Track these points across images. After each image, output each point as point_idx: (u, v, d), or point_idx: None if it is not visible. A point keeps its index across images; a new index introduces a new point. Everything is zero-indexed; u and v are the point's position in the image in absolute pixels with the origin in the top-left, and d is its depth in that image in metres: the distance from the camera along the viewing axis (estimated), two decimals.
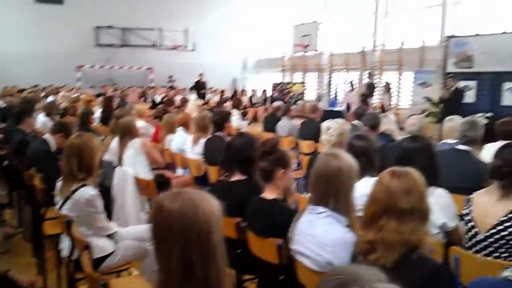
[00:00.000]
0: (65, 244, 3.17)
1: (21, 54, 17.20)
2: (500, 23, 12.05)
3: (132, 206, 3.98)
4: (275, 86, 18.27)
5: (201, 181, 4.82)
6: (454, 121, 4.38)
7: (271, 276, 2.60)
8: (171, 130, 5.79)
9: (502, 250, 2.42)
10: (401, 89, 14.61)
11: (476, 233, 2.53)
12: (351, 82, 14.59)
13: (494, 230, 2.44)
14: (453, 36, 12.60)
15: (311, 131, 6.58)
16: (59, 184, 3.13)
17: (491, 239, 2.46)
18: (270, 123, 7.97)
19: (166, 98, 11.18)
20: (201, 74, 17.41)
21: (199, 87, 17.17)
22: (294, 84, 18.37)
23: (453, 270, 2.52)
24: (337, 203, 2.18)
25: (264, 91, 18.40)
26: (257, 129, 8.99)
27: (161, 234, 1.34)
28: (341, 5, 17.43)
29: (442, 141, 4.66)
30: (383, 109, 12.86)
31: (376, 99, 14.09)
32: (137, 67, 19.92)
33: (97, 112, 7.96)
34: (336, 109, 14.98)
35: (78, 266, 2.99)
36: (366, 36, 15.99)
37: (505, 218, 2.41)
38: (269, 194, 2.70)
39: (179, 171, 5.34)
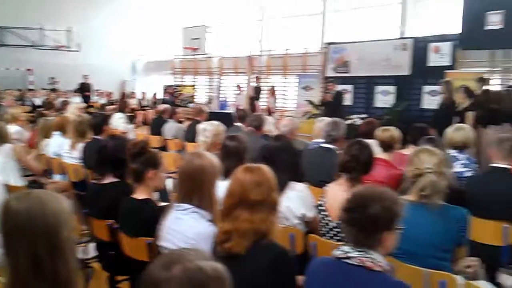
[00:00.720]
0: None
1: None
2: (372, 31, 13.21)
3: None
4: (165, 89, 18.13)
5: (80, 186, 4.70)
6: (322, 122, 4.77)
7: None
8: (47, 134, 5.55)
9: None
10: (286, 93, 15.32)
11: (329, 221, 2.83)
12: (238, 86, 14.99)
13: None
14: (332, 43, 13.50)
15: (196, 133, 6.70)
16: None
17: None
18: (157, 126, 7.95)
19: (46, 101, 10.60)
20: (86, 76, 16.72)
21: (84, 89, 16.50)
22: (185, 87, 18.39)
23: (312, 255, 2.79)
24: (201, 199, 2.32)
25: (154, 93, 18.19)
26: (144, 132, 8.91)
27: (9, 232, 1.37)
28: (230, 9, 17.82)
29: (313, 140, 5.06)
30: (270, 112, 13.41)
31: (263, 102, 14.61)
32: (15, 68, 18.56)
33: None
34: (226, 111, 15.29)
35: None
36: (253, 41, 16.52)
37: None
38: (140, 194, 2.77)
39: (56, 177, 5.14)
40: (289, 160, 2.97)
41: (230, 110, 14.80)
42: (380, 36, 12.78)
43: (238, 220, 1.95)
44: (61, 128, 5.35)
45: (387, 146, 3.92)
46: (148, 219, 2.64)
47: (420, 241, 2.39)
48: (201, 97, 18.20)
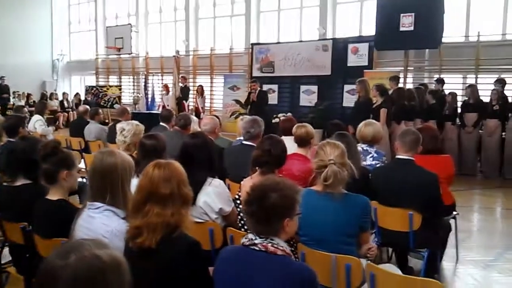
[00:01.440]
0: None
1: None
2: (296, 33, 13.61)
3: None
4: (88, 89, 17.55)
5: None
6: (243, 121, 4.89)
7: None
8: None
9: None
10: (214, 92, 15.38)
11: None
12: (166, 85, 14.84)
13: None
14: (256, 44, 13.75)
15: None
16: None
17: None
18: (77, 128, 7.71)
19: None
20: (2, 77, 15.83)
21: (1, 91, 15.62)
22: (110, 87, 17.89)
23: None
24: (113, 197, 2.33)
25: (77, 94, 17.56)
26: (64, 135, 8.62)
27: None
28: (156, 9, 17.60)
29: (237, 139, 5.18)
30: (198, 111, 13.42)
31: (191, 102, 14.57)
32: None
33: None
34: (153, 111, 15.09)
35: None
36: (180, 41, 16.43)
37: None
38: (54, 195, 2.72)
39: None
40: (206, 157, 3.04)
41: (158, 110, 14.63)
42: (303, 37, 13.22)
43: (148, 215, 1.99)
44: None
45: (302, 141, 4.10)
46: (62, 220, 2.61)
47: (327, 228, 2.56)
48: (127, 98, 17.82)
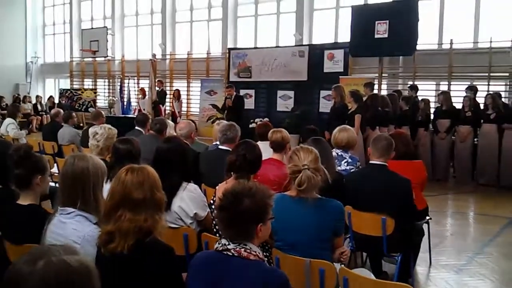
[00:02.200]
0: None
1: None
2: (272, 38, 13.68)
3: None
4: (62, 93, 17.26)
5: None
6: (219, 125, 4.88)
7: None
8: None
9: None
10: (191, 97, 15.32)
11: None
12: (142, 89, 14.70)
13: None
14: (234, 48, 13.77)
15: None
16: None
17: None
18: (50, 131, 7.57)
19: None
20: None
21: None
22: (85, 90, 17.63)
23: None
24: (85, 202, 2.29)
25: (50, 97, 17.26)
26: (38, 138, 8.46)
27: None
28: (132, 12, 17.46)
29: (213, 143, 5.16)
30: (174, 116, 13.34)
31: (167, 106, 14.47)
32: None
33: None
34: (129, 115, 14.93)
35: None
36: (157, 44, 16.33)
37: None
38: (25, 200, 2.67)
39: None
40: (180, 162, 3.03)
41: (133, 114, 14.48)
42: (280, 43, 13.31)
43: (121, 220, 1.97)
44: None
45: (278, 146, 4.12)
46: (34, 225, 2.55)
47: (301, 232, 2.58)
48: (102, 101, 17.59)
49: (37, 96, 17.69)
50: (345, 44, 10.93)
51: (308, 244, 2.57)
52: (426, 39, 10.35)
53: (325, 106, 11.19)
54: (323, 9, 12.79)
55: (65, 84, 18.99)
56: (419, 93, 9.65)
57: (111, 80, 17.83)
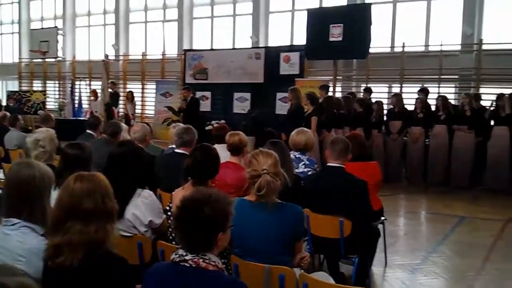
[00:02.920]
0: None
1: None
2: (229, 40, 13.63)
3: None
4: (10, 95, 16.52)
5: None
6: (175, 128, 4.77)
7: None
8: None
9: None
10: (146, 99, 15.03)
11: None
12: (94, 91, 14.29)
13: None
14: (190, 50, 13.61)
15: None
16: None
17: None
18: None
19: None
20: None
21: None
22: (34, 92, 16.93)
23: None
24: (31, 212, 2.14)
25: None
26: None
27: None
28: (84, 12, 16.96)
29: (169, 146, 5.04)
30: (128, 118, 13.02)
31: (121, 108, 14.13)
32: None
33: None
34: (81, 118, 14.49)
35: None
36: (110, 45, 15.94)
37: None
38: None
39: None
40: (134, 167, 2.91)
41: (85, 117, 14.06)
42: (236, 45, 13.27)
43: (70, 232, 1.84)
44: None
45: (236, 149, 4.06)
46: None
47: (260, 238, 2.52)
48: (52, 104, 16.98)
49: None
50: (300, 47, 10.99)
51: (268, 250, 2.52)
52: (379, 43, 10.58)
53: (281, 108, 11.23)
54: (279, 12, 12.84)
55: (13, 86, 18.19)
56: (372, 95, 9.84)
57: (61, 82, 17.21)
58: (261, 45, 12.53)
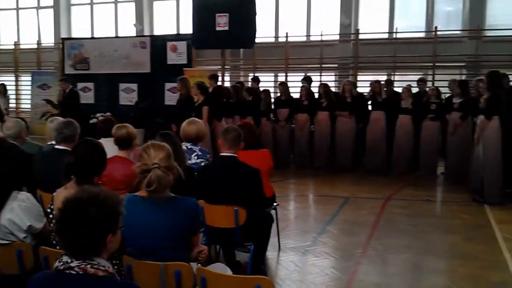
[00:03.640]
0: None
1: None
2: (111, 28, 13.00)
3: None
4: None
5: None
6: (53, 123, 4.42)
7: None
8: None
9: None
10: (20, 92, 13.84)
11: None
12: None
13: None
14: (68, 38, 12.73)
15: None
16: None
17: None
18: None
19: None
20: None
21: None
22: None
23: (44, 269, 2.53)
24: None
25: None
26: None
27: None
28: None
29: (48, 143, 4.65)
30: (1, 113, 11.85)
31: None
32: None
33: None
34: None
35: None
36: None
37: None
38: None
39: None
40: (7, 167, 2.63)
41: None
42: (119, 33, 12.71)
43: None
44: None
45: (124, 143, 3.87)
46: None
47: (154, 235, 2.42)
48: None
49: None
50: (188, 36, 10.82)
51: (162, 247, 2.41)
52: (264, 33, 10.81)
53: (170, 98, 10.97)
54: (163, 0, 12.53)
55: None
56: (260, 84, 10.03)
57: None
58: (146, 33, 12.12)
